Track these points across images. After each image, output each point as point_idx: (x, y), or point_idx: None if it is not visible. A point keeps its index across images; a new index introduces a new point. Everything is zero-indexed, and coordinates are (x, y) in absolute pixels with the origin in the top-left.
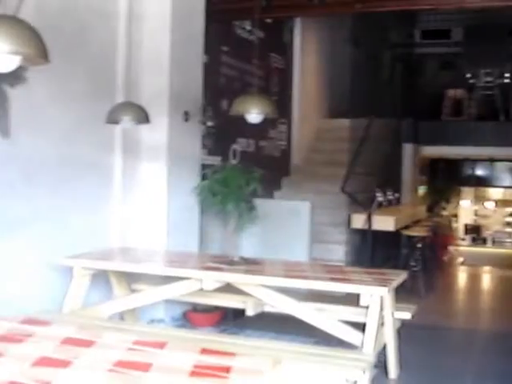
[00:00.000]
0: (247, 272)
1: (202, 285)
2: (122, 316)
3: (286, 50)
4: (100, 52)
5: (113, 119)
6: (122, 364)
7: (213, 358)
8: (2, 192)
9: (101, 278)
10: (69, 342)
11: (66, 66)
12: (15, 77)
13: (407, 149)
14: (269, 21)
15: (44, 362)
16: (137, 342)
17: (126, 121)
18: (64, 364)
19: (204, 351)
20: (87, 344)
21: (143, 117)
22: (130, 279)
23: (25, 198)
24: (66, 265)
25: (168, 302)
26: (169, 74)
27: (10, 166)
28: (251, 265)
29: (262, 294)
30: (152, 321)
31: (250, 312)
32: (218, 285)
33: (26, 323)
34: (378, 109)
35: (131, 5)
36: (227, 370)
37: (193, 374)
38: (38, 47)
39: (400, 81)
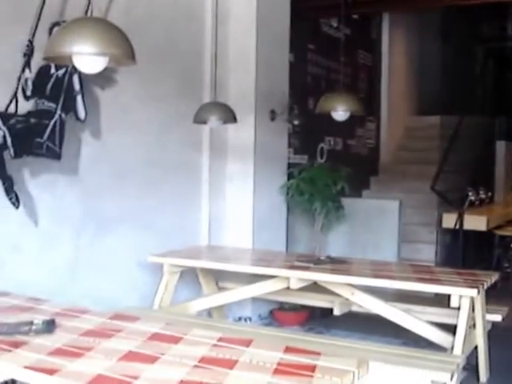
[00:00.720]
0: (334, 271)
1: (289, 283)
2: (209, 313)
3: (373, 47)
4: (187, 53)
5: (200, 119)
6: (207, 360)
7: (297, 357)
8: (94, 193)
9: (189, 275)
10: (156, 337)
11: (155, 68)
12: (105, 79)
13: (500, 147)
14: (356, 17)
15: (131, 357)
16: (222, 339)
17: (213, 120)
18: (151, 359)
19: (289, 349)
20: (174, 340)
21: (230, 116)
22: (218, 277)
23: (115, 198)
24: (156, 262)
25: (255, 300)
26: (255, 74)
27: (101, 166)
28: (338, 264)
29: (348, 293)
30: (239, 319)
31: (336, 311)
32: (304, 284)
33: (116, 319)
34: (469, 106)
35: (217, 5)
36: (312, 368)
37: (277, 371)
38: (124, 48)
39: (492, 76)
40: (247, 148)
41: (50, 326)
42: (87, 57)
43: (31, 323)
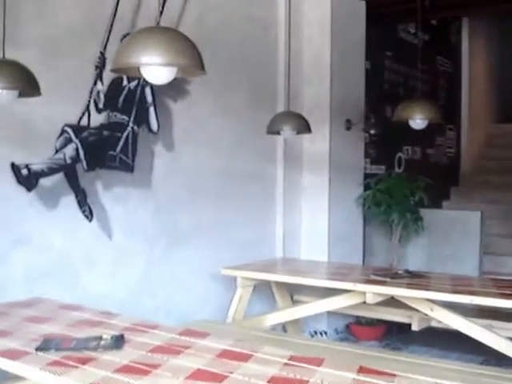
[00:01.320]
0: (412, 286)
1: (365, 298)
2: (284, 327)
3: (452, 53)
4: (260, 62)
5: (273, 129)
6: (276, 380)
7: (371, 378)
8: (167, 206)
9: (263, 288)
10: (225, 355)
11: (227, 78)
12: (178, 90)
13: None
14: (434, 22)
15: (199, 375)
16: (293, 358)
17: (287, 131)
18: (219, 378)
19: (362, 370)
20: (244, 358)
21: (304, 126)
22: (292, 290)
23: (188, 210)
24: (229, 275)
25: (331, 313)
26: (330, 82)
27: (174, 179)
28: (416, 278)
29: (427, 309)
30: (315, 332)
31: (414, 327)
32: (381, 299)
33: (185, 334)
34: None
35: (290, 13)
36: None
37: None
38: (193, 58)
39: None
40: (322, 159)
41: (118, 341)
42: (155, 68)
43: (100, 338)
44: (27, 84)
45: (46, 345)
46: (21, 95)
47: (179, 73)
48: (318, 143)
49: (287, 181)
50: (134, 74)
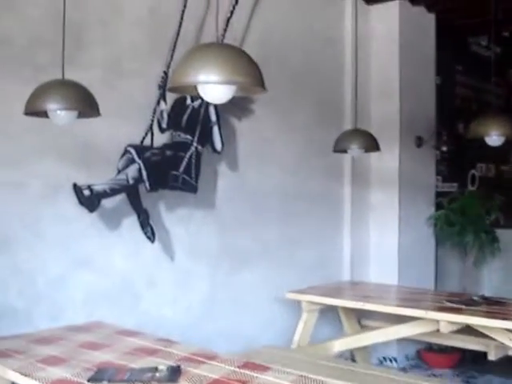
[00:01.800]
0: (489, 314)
1: (439, 326)
2: (352, 353)
3: None
4: (326, 79)
5: (340, 148)
6: None
7: None
8: (231, 226)
9: (330, 312)
10: None
11: (293, 95)
12: (242, 109)
13: None
14: (506, 34)
15: None
16: None
17: (355, 149)
18: None
19: None
20: None
21: (372, 144)
22: (360, 315)
23: (253, 231)
24: (293, 299)
25: (401, 339)
26: (399, 98)
27: (238, 199)
28: (494, 305)
29: (506, 338)
30: (384, 359)
31: (491, 356)
32: (455, 327)
33: (245, 367)
34: None
35: (357, 28)
36: None
37: None
38: (253, 76)
39: None
40: (391, 177)
41: (174, 374)
42: (213, 86)
43: (156, 370)
44: (86, 105)
45: (99, 376)
46: (80, 116)
47: (238, 91)
48: (386, 160)
49: (355, 200)
50: (192, 93)
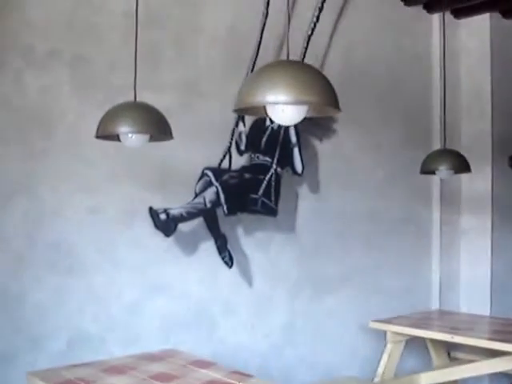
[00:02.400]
0: None
1: None
2: None
3: None
4: (413, 96)
5: (428, 169)
6: None
7: None
8: (312, 251)
9: (417, 343)
10: None
11: (377, 114)
12: (323, 130)
13: None
14: None
15: None
16: None
17: (443, 170)
18: None
19: None
20: None
21: (462, 165)
22: (450, 346)
23: (335, 256)
24: (377, 329)
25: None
26: (491, 116)
27: (319, 223)
28: None
29: None
30: None
31: None
32: None
33: None
34: None
35: (445, 43)
36: None
37: None
38: (324, 95)
39: None
40: (483, 200)
41: None
42: (282, 107)
43: None
44: (158, 128)
45: None
46: (152, 139)
47: (310, 112)
48: (478, 182)
49: (444, 224)
50: (261, 114)
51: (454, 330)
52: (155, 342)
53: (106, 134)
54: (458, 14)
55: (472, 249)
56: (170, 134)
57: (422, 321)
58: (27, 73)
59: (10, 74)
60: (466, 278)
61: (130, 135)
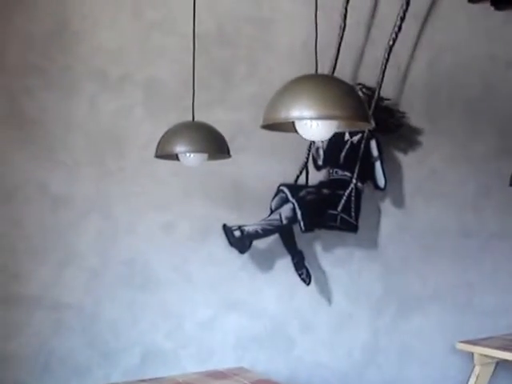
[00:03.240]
0: None
1: None
2: None
3: None
4: (508, 104)
5: None
6: None
7: None
8: (397, 267)
9: (510, 365)
10: None
11: (469, 124)
12: (408, 142)
13: None
14: None
15: None
16: None
17: None
18: None
19: None
20: None
21: None
22: None
23: (422, 273)
24: (464, 350)
25: None
26: None
27: (404, 238)
28: None
29: None
30: None
31: None
32: None
33: None
34: None
35: None
36: None
37: None
38: (351, 109)
39: None
40: None
41: None
42: (310, 122)
43: None
44: (215, 147)
45: None
46: (210, 158)
47: (341, 127)
48: None
49: None
50: (290, 130)
51: None
52: (229, 359)
53: (164, 153)
54: None
55: None
56: (228, 152)
57: None
58: (101, 97)
59: (85, 98)
60: None
61: (187, 154)
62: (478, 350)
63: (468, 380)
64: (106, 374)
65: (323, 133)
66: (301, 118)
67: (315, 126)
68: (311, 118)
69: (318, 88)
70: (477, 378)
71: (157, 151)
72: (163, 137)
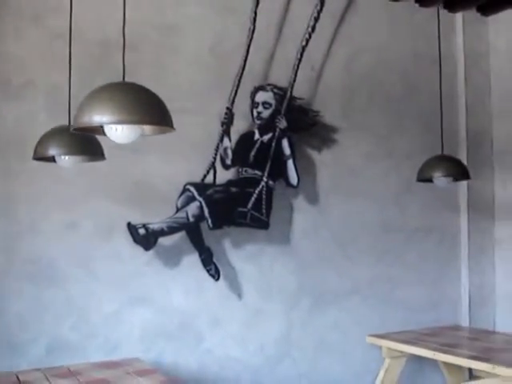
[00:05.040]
0: None
1: None
2: None
3: None
4: (434, 101)
5: (424, 176)
6: None
7: None
8: (311, 263)
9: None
10: None
11: (391, 121)
12: (322, 140)
13: None
14: None
15: None
16: None
17: (439, 177)
18: None
19: None
20: None
21: (459, 172)
22: None
23: (339, 268)
24: (373, 344)
25: None
26: None
27: (319, 234)
28: None
29: None
30: None
31: None
32: None
33: None
34: None
35: (467, 44)
36: None
37: None
38: (148, 114)
39: None
40: None
41: None
42: (115, 126)
43: None
44: (89, 149)
45: None
46: (85, 160)
47: (146, 131)
48: (511, 188)
49: (473, 233)
50: (99, 133)
51: (450, 347)
52: (136, 350)
53: (41, 156)
54: (485, 10)
55: (506, 259)
56: (102, 154)
57: (426, 337)
58: (5, 103)
59: None
60: (503, 292)
61: (62, 157)
62: (385, 343)
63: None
64: (13, 364)
65: (128, 136)
66: (102, 123)
67: (120, 130)
68: (111, 123)
69: (120, 95)
70: (385, 371)
71: (34, 153)
72: (40, 140)
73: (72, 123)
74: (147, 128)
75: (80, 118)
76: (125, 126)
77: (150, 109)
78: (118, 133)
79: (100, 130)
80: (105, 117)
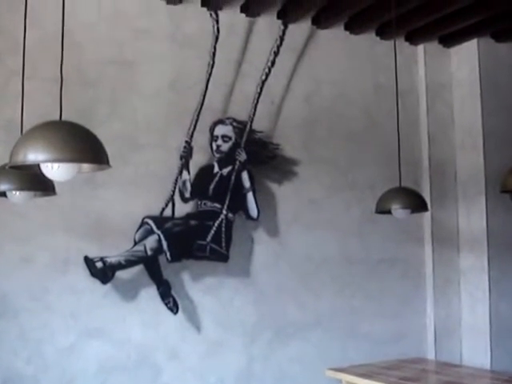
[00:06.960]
0: None
1: None
2: None
3: None
4: (395, 134)
5: (382, 208)
6: None
7: None
8: (272, 295)
9: None
10: None
11: (351, 154)
12: (283, 173)
13: None
14: None
15: None
16: None
17: (398, 209)
18: None
19: None
20: None
21: (418, 203)
22: None
23: (300, 299)
24: (333, 377)
25: None
26: (483, 149)
27: (279, 266)
28: None
29: None
30: None
31: None
32: None
33: None
34: None
35: (429, 76)
36: None
37: None
38: (82, 153)
39: None
40: (479, 238)
41: None
42: (50, 164)
43: None
44: (39, 184)
45: None
46: (37, 195)
47: (83, 169)
48: (474, 219)
49: (438, 264)
50: (36, 171)
51: (408, 381)
52: None
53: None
54: (447, 41)
55: (470, 290)
56: (53, 189)
57: (386, 370)
58: None
59: None
60: (467, 322)
61: (13, 192)
62: (344, 376)
63: None
64: None
65: (64, 174)
66: (36, 162)
67: (56, 168)
68: (45, 162)
69: (55, 134)
70: None
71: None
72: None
73: (10, 160)
74: (84, 165)
75: (16, 157)
76: (61, 164)
77: (84, 147)
78: (54, 171)
79: (37, 167)
80: (39, 155)
